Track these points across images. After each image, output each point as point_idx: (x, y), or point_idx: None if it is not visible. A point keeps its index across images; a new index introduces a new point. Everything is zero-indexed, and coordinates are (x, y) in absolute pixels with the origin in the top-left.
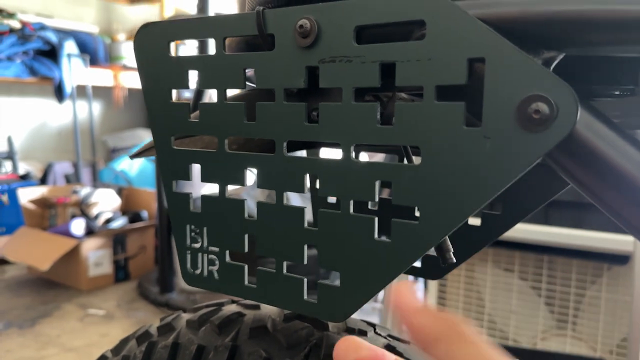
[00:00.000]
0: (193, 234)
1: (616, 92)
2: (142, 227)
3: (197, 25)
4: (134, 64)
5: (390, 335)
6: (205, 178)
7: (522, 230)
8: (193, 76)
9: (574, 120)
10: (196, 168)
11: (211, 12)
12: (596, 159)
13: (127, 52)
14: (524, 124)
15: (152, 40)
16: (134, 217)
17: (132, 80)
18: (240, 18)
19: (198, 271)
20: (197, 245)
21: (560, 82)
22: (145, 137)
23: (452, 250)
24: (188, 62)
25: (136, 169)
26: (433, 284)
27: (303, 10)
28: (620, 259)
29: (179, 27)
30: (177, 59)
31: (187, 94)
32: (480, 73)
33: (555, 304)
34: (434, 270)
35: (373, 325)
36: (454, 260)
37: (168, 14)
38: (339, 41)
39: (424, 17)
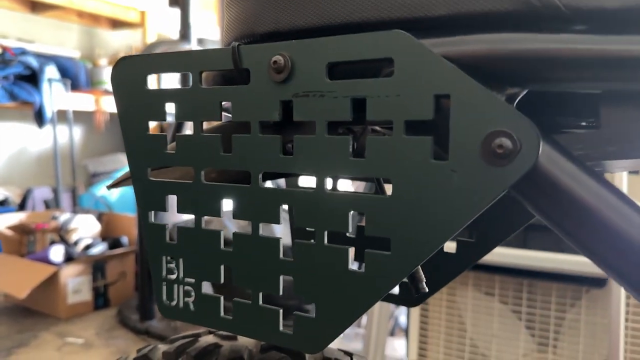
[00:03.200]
0: (169, 265)
1: (582, 124)
2: (122, 253)
3: (175, 59)
4: (112, 89)
5: None
6: (182, 209)
7: (502, 254)
8: (170, 108)
9: (536, 155)
10: (172, 199)
11: (194, 38)
12: (558, 190)
13: (109, 77)
14: (488, 159)
15: (129, 73)
16: (114, 243)
17: (114, 105)
18: (216, 53)
19: (174, 303)
20: (173, 277)
21: (522, 118)
22: (125, 161)
23: (424, 280)
24: (165, 95)
25: (117, 194)
26: (415, 308)
27: (277, 47)
28: (598, 282)
29: (157, 61)
30: (155, 92)
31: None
32: (447, 109)
33: (535, 327)
34: (412, 297)
35: (350, 355)
36: (426, 290)
37: (150, 39)
38: (312, 77)
39: (392, 55)
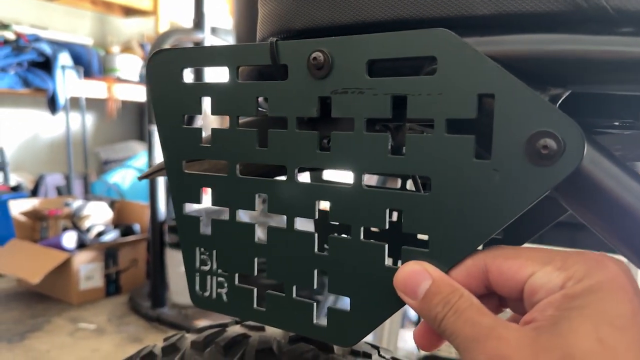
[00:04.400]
0: (202, 256)
1: (616, 124)
2: (134, 240)
3: (212, 54)
4: (128, 77)
5: (394, 358)
6: (216, 202)
7: None
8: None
9: (580, 156)
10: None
11: (207, 27)
12: (600, 192)
13: (121, 65)
14: (532, 159)
15: (165, 66)
16: (126, 231)
17: (126, 92)
18: (253, 48)
19: (207, 293)
20: (207, 268)
21: (567, 119)
22: (137, 149)
23: None
24: (201, 89)
25: (129, 181)
26: None
27: (316, 43)
28: None
29: (193, 55)
30: (191, 86)
31: None
32: (490, 108)
33: None
34: None
35: (377, 348)
36: None
37: (163, 27)
38: (351, 73)
39: (435, 53)
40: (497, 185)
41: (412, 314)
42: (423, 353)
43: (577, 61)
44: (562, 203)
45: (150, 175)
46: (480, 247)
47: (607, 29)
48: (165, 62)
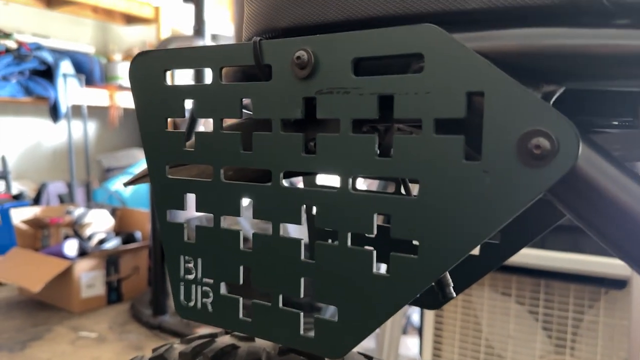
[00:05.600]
0: (187, 264)
1: (615, 123)
2: (136, 248)
3: (194, 55)
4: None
5: None
6: (200, 208)
7: (519, 255)
8: (188, 105)
9: (575, 156)
10: (191, 197)
11: (208, 34)
12: (597, 194)
13: (123, 73)
14: (524, 159)
15: (147, 68)
16: (128, 238)
17: (128, 100)
18: (237, 48)
19: (192, 303)
20: (191, 277)
21: (561, 117)
22: (139, 157)
23: (452, 284)
24: (184, 91)
25: (130, 189)
26: None
27: (300, 42)
28: (618, 283)
29: (175, 56)
30: (173, 88)
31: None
32: (480, 107)
33: (553, 329)
34: (431, 300)
35: (370, 358)
36: (454, 295)
37: (165, 34)
38: (337, 73)
39: (422, 50)
40: (487, 188)
41: (415, 320)
42: None
43: (571, 56)
44: (557, 206)
45: (135, 181)
46: (476, 252)
47: (603, 21)
48: (147, 64)
